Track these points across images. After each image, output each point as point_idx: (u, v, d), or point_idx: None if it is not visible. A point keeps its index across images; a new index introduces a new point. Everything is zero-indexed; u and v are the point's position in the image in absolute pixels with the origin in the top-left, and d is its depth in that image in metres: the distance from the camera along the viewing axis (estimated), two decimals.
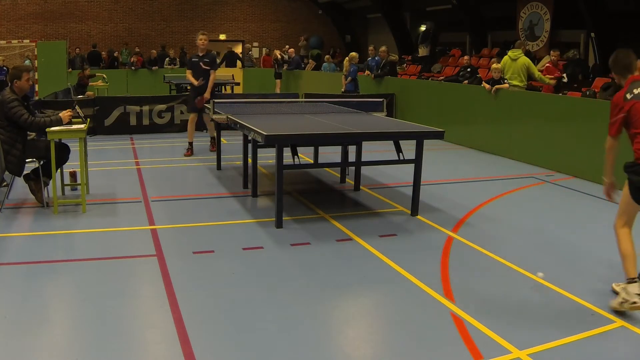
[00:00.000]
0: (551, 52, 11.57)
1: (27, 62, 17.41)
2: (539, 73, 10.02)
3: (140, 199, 6.61)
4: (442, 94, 11.62)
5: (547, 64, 11.44)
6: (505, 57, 10.14)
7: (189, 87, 10.13)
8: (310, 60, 20.42)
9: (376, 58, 13.97)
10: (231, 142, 10.15)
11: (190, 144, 9.31)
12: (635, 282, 3.85)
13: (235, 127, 6.56)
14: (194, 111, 9.21)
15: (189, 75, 9.15)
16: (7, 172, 5.97)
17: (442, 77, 14.94)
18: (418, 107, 12.16)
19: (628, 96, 3.95)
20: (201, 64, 8.97)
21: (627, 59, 4.11)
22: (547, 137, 8.75)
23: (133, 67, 19.91)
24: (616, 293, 4.02)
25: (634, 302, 3.78)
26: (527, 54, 10.62)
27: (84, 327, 3.59)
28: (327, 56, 19.64)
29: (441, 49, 17.94)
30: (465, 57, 14.22)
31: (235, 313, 3.81)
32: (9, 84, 5.90)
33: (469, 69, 13.21)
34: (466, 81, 12.17)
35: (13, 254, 4.79)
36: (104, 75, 16.67)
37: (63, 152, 6.19)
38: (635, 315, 3.81)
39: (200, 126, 10.20)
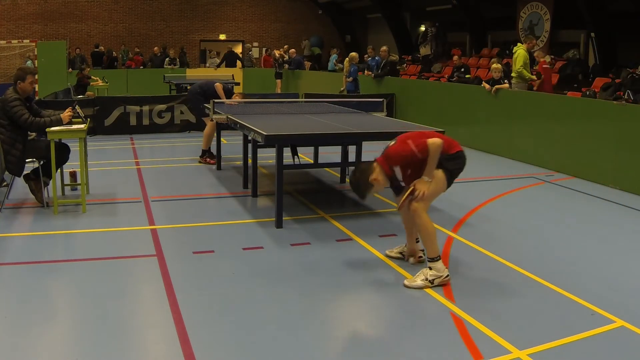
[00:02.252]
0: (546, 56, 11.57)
1: (29, 62, 17.39)
2: (521, 68, 10.02)
3: (140, 199, 6.61)
4: (442, 94, 11.62)
5: (542, 61, 11.43)
6: None
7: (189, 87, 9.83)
8: (307, 62, 20.54)
9: (376, 58, 13.96)
10: (231, 142, 10.14)
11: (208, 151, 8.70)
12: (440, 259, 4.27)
13: (235, 127, 6.56)
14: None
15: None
16: (7, 172, 5.97)
17: (439, 77, 14.97)
18: (418, 107, 12.15)
19: None
20: None
21: None
22: (547, 137, 8.75)
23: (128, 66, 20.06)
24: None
25: (447, 276, 4.23)
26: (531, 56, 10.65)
27: (84, 327, 3.58)
28: (333, 50, 19.88)
29: (444, 49, 17.95)
30: (455, 58, 14.22)
31: (235, 313, 3.81)
32: (13, 84, 5.91)
33: (462, 69, 13.22)
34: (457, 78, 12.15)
35: (13, 254, 4.79)
36: (98, 79, 16.54)
37: (63, 152, 6.19)
38: (635, 315, 3.81)
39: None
